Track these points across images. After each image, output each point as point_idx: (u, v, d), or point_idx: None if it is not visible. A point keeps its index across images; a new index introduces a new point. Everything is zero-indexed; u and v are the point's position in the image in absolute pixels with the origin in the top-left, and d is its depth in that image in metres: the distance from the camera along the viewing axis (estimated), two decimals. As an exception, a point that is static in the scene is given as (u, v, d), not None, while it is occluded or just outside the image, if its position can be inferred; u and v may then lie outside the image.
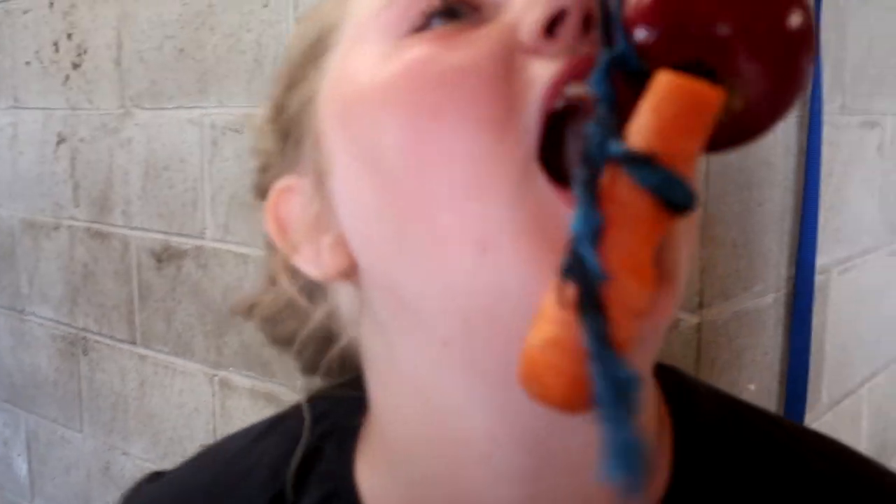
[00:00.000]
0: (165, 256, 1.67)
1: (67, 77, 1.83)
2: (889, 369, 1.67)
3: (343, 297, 0.51)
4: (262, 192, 0.56)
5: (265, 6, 1.42)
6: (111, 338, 1.83)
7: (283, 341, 0.57)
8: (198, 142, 1.57)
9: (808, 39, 0.33)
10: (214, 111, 1.54)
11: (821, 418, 1.38)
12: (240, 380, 1.56)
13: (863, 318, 1.51)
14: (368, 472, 0.51)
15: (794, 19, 0.31)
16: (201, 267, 1.60)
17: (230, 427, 1.59)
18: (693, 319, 0.99)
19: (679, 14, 0.32)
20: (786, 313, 1.20)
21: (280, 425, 0.58)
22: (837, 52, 1.30)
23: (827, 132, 1.22)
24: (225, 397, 1.60)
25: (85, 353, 1.91)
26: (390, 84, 0.41)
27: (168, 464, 1.73)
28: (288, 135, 0.52)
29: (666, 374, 0.54)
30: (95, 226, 1.82)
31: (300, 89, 0.50)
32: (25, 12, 1.90)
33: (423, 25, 0.43)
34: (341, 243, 0.47)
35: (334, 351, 0.54)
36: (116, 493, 1.88)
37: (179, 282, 1.65)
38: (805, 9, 0.33)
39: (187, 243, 1.62)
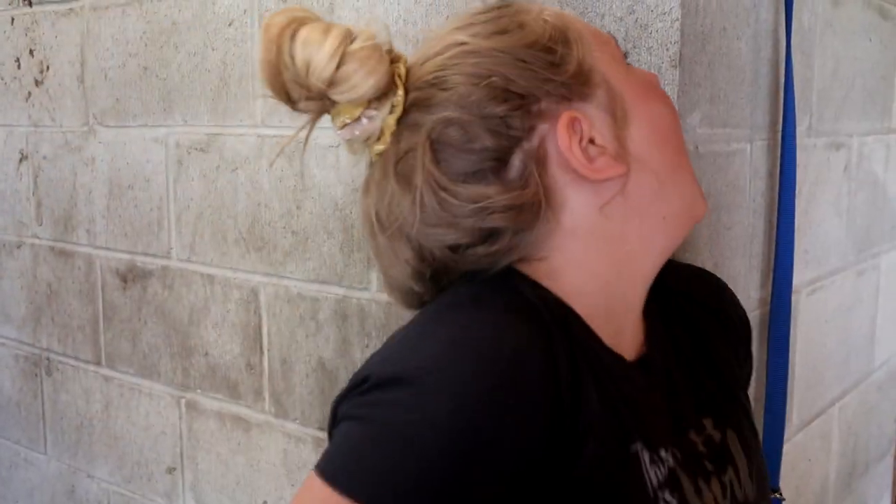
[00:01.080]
0: (131, 276, 1.64)
1: (30, 94, 1.80)
2: (858, 388, 1.68)
3: (579, 197, 0.73)
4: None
5: (230, 25, 1.40)
6: (75, 358, 1.80)
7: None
8: (163, 161, 1.55)
9: None
10: (180, 130, 1.51)
11: (792, 438, 1.38)
12: (207, 402, 1.54)
13: (832, 338, 1.52)
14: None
15: None
16: (167, 287, 1.58)
17: (198, 450, 1.57)
18: (663, 346, 0.98)
19: None
20: (759, 336, 1.20)
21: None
22: (804, 75, 1.30)
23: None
24: (192, 420, 1.58)
25: (48, 373, 1.88)
26: (652, 88, 0.79)
27: (134, 487, 1.71)
28: (575, 74, 0.72)
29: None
30: (59, 244, 1.79)
31: (575, 50, 0.72)
32: (-13, 27, 1.87)
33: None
34: (621, 159, 0.73)
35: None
36: (81, 516, 1.85)
37: (145, 302, 1.63)
38: None
39: (153, 263, 1.60)
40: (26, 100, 1.81)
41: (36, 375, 1.91)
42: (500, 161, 0.70)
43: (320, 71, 0.69)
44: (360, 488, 0.60)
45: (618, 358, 0.74)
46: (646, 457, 0.71)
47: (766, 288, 1.24)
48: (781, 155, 1.20)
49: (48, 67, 1.74)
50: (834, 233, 1.48)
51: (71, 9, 1.67)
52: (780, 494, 1.20)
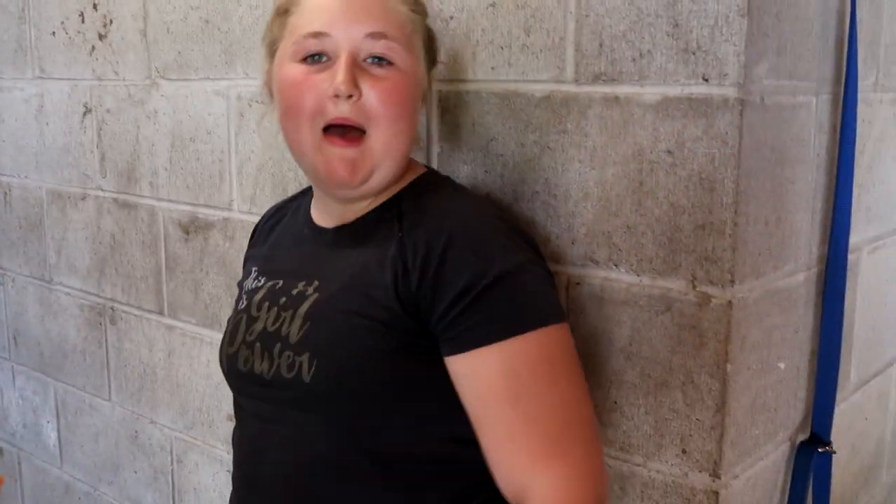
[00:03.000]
0: (192, 228, 1.68)
1: (93, 48, 1.83)
2: (918, 348, 1.66)
3: None
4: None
5: (292, -22, 1.41)
6: (139, 308, 1.85)
7: None
8: (224, 113, 1.57)
9: None
10: (241, 82, 1.53)
11: (849, 398, 1.37)
12: (266, 351, 1.57)
13: (893, 298, 1.50)
14: None
15: None
16: (228, 238, 1.61)
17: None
18: (724, 297, 0.98)
19: None
20: (817, 292, 1.20)
21: None
22: (873, 28, 1.27)
23: (860, 109, 1.21)
24: (251, 368, 1.61)
25: (112, 322, 1.93)
26: (286, 78, 1.01)
27: (196, 433, 1.76)
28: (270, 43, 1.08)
29: (433, 174, 1.12)
30: (122, 196, 1.83)
31: (275, 27, 1.06)
32: (51, -18, 1.91)
33: (303, 60, 1.00)
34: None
35: None
36: (145, 461, 1.91)
37: (207, 253, 1.66)
38: None
39: (214, 215, 1.63)
40: (90, 54, 1.84)
41: (100, 324, 1.97)
42: None
43: None
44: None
45: (308, 219, 1.13)
46: (254, 270, 1.15)
47: (827, 244, 1.23)
48: (843, 110, 1.18)
49: (111, 21, 1.77)
50: (898, 190, 1.46)
51: (134, -37, 1.70)
52: (831, 448, 1.20)
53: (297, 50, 1.00)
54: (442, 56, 1.17)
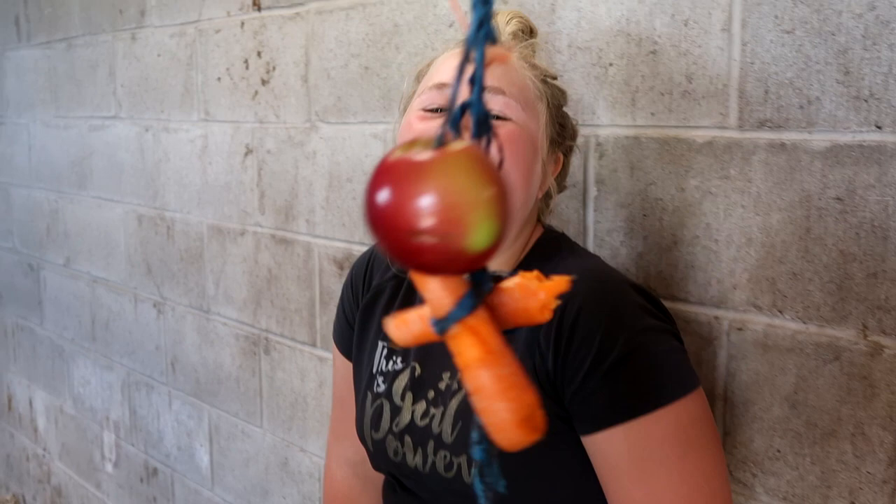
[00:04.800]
0: (347, 264, 1.74)
1: (256, 93, 1.94)
2: None
3: None
4: None
5: (450, 26, 1.47)
6: (292, 339, 1.93)
7: None
8: (380, 155, 1.64)
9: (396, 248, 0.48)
10: (398, 126, 1.59)
11: None
12: (416, 385, 1.62)
13: None
14: None
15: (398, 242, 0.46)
16: (381, 276, 1.67)
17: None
18: (897, 349, 0.97)
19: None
20: None
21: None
22: None
23: None
24: (400, 401, 1.66)
25: (266, 352, 2.02)
26: (403, 125, 1.05)
27: (344, 462, 1.81)
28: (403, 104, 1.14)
29: (553, 234, 1.10)
30: (280, 233, 1.92)
31: (409, 89, 1.13)
32: (217, 31, 2.03)
33: (427, 109, 1.01)
34: None
35: None
36: (294, 488, 1.98)
37: (359, 289, 1.72)
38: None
39: (368, 253, 1.69)
40: (253, 98, 1.95)
41: (255, 354, 2.06)
42: None
43: None
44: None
45: None
46: (384, 351, 1.11)
47: None
48: None
49: (274, 68, 1.88)
50: None
51: (297, 13, 1.79)
52: None
53: (420, 101, 1.02)
54: (601, 106, 1.18)
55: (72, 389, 2.98)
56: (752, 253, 1.09)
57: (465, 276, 0.50)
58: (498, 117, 0.97)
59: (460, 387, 0.99)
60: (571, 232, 1.28)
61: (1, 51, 3.13)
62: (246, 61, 1.95)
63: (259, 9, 1.90)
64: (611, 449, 0.91)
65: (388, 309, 1.13)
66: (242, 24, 1.95)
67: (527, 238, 1.06)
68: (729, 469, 1.13)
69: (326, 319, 1.82)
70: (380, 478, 1.21)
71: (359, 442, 1.17)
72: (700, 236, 1.14)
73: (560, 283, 0.50)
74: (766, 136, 1.07)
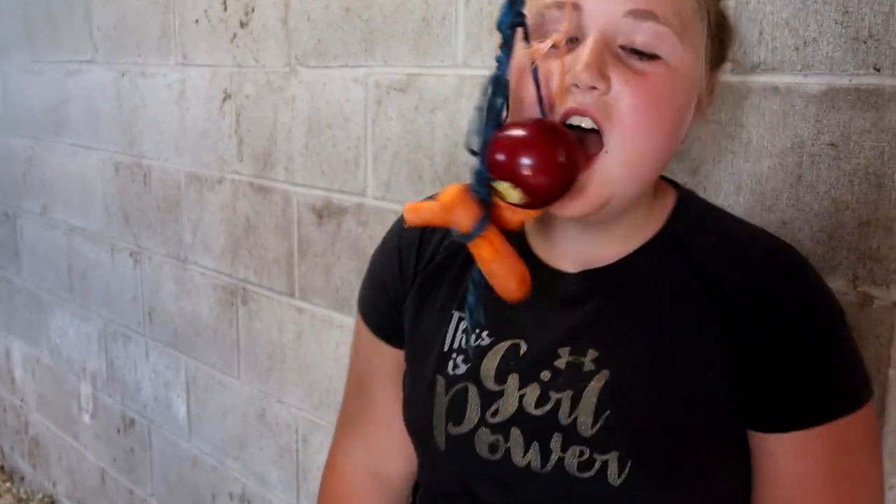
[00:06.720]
0: (326, 213, 1.70)
1: (234, 36, 1.88)
2: None
3: None
4: None
5: (435, -35, 1.42)
6: (270, 289, 1.90)
7: None
8: (362, 101, 1.59)
9: (546, 170, 0.70)
10: (379, 70, 1.55)
11: None
12: (395, 337, 1.59)
13: None
14: None
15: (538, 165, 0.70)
16: (361, 224, 1.63)
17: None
18: (888, 297, 0.94)
19: (494, 162, 0.70)
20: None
21: None
22: None
23: None
24: (379, 353, 1.63)
25: (244, 302, 1.98)
26: (513, 66, 0.74)
27: (322, 414, 1.79)
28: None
29: (685, 192, 0.87)
30: (258, 181, 1.88)
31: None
32: (196, -29, 1.97)
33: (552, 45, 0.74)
34: None
35: None
36: (271, 439, 1.96)
37: (339, 238, 1.69)
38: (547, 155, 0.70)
39: (348, 200, 1.65)
40: (231, 41, 1.89)
41: (232, 304, 2.02)
42: None
43: None
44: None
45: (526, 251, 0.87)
46: (457, 317, 0.89)
47: None
48: None
49: (253, 10, 1.82)
50: None
51: (277, -48, 1.73)
52: None
53: (533, 27, 0.73)
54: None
55: (49, 340, 2.94)
56: (742, 200, 1.06)
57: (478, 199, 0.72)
58: (643, 54, 0.71)
59: (598, 367, 0.80)
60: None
61: (-26, -8, 3.05)
62: (224, 3, 1.89)
63: (238, -52, 1.83)
64: (804, 452, 0.76)
65: (460, 278, 0.90)
66: (221, -37, 1.89)
67: (654, 195, 0.84)
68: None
69: (305, 269, 1.78)
70: (401, 486, 1.04)
71: (381, 436, 1.01)
72: (687, 182, 1.11)
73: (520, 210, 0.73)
74: (759, 79, 1.03)
